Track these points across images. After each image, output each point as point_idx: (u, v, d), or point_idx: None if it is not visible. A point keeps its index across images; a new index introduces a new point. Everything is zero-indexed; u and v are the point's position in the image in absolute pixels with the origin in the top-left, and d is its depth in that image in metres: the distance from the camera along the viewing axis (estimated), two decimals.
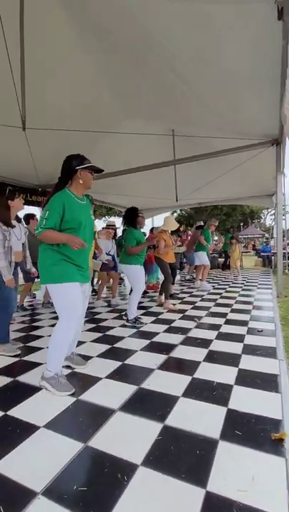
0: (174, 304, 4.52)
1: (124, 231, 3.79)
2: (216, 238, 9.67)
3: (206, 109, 4.35)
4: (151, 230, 6.42)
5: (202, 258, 6.26)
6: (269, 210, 28.50)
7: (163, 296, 4.62)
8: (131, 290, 3.84)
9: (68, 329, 1.96)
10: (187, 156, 5.69)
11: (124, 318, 3.61)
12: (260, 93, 3.70)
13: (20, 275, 3.59)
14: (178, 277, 7.04)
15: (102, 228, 5.22)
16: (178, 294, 5.60)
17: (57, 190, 2.00)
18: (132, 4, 2.73)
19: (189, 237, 8.25)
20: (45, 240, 1.93)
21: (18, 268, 2.93)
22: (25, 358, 2.56)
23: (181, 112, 4.73)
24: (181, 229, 6.65)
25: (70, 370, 2.26)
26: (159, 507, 1.07)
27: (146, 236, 6.07)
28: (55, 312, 3.99)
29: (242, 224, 29.13)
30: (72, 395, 1.88)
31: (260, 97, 3.79)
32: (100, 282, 5.20)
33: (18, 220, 2.82)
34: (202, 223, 7.33)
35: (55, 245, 1.96)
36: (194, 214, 22.99)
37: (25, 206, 6.82)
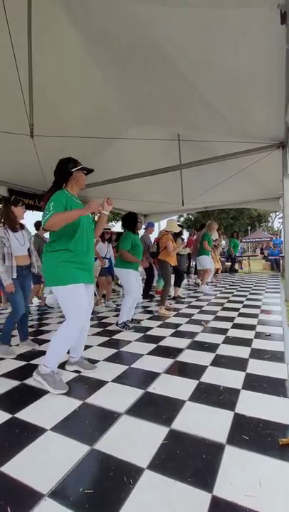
0: (170, 303, 4.77)
1: (121, 235, 3.81)
2: (223, 242, 9.56)
3: (212, 113, 4.38)
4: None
5: (203, 262, 6.23)
6: (277, 214, 28.27)
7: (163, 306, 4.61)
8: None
9: (74, 328, 2.00)
10: (193, 160, 5.72)
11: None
12: (265, 97, 3.71)
13: None
14: (185, 281, 7.02)
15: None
16: (184, 298, 5.58)
17: (53, 192, 2.06)
18: (137, 11, 2.78)
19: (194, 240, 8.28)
20: (55, 224, 1.89)
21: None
22: (33, 362, 2.58)
23: (186, 116, 4.77)
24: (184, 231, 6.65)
25: (76, 374, 2.27)
26: (164, 510, 1.07)
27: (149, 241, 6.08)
28: (62, 316, 4.04)
29: (249, 228, 28.91)
30: (67, 394, 1.89)
31: (265, 101, 3.80)
32: (98, 287, 5.23)
33: (22, 227, 2.96)
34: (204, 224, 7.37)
35: (57, 247, 2.01)
36: (201, 218, 22.97)
37: (34, 212, 7.00)
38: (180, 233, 5.55)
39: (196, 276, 8.05)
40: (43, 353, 2.79)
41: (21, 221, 2.99)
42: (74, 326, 2.00)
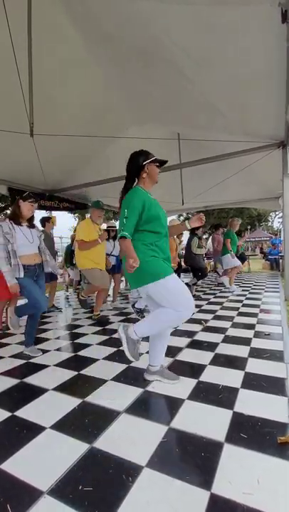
0: None
1: None
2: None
3: (212, 112, 4.38)
4: None
5: (226, 261, 6.06)
6: (277, 213, 28.23)
7: None
8: None
9: (180, 316, 1.84)
10: (193, 159, 5.72)
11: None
12: (265, 96, 3.71)
13: None
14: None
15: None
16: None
17: (127, 190, 1.97)
18: (136, 10, 2.78)
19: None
20: (120, 245, 1.87)
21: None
22: (33, 360, 2.59)
23: (187, 115, 4.77)
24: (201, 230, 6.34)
25: (76, 372, 2.28)
26: (163, 508, 1.08)
27: None
28: (69, 319, 4.04)
29: (249, 227, 28.89)
30: (67, 393, 1.90)
31: (265, 100, 3.80)
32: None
33: (32, 225, 2.84)
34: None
35: (147, 240, 1.89)
36: None
37: (35, 210, 6.97)
38: (195, 232, 5.41)
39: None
40: (42, 351, 2.80)
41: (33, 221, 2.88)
42: (182, 314, 1.82)
